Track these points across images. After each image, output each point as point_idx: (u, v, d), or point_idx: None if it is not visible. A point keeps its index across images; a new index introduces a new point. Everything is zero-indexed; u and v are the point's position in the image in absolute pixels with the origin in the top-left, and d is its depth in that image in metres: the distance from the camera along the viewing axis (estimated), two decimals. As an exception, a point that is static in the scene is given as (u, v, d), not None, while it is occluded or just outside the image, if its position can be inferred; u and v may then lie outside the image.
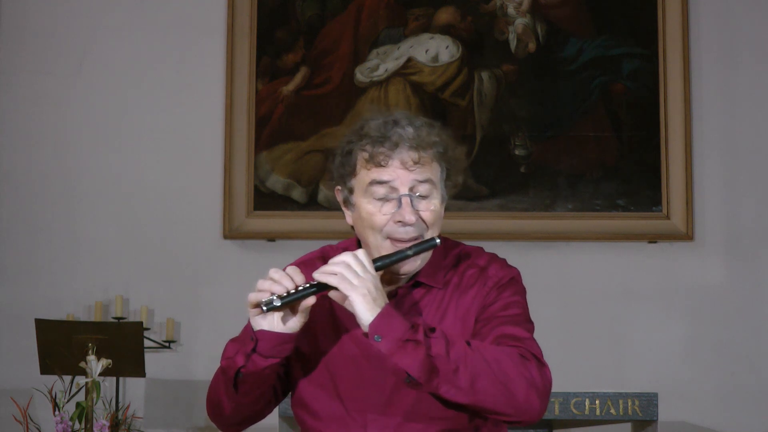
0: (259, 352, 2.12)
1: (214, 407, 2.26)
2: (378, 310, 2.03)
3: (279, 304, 2.07)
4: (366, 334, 2.04)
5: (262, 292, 2.09)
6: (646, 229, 5.25)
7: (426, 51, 5.43)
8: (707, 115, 5.33)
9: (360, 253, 2.09)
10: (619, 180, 5.31)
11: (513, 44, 5.42)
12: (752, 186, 5.31)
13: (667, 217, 5.24)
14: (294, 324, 2.12)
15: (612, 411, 4.16)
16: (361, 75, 5.42)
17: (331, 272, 2.06)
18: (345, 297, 2.05)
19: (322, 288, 2.07)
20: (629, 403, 4.15)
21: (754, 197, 5.30)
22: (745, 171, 5.32)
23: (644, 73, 5.35)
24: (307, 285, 2.08)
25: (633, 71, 5.36)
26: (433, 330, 2.05)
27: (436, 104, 5.36)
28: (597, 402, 4.16)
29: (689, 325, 5.25)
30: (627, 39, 5.38)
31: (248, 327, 2.18)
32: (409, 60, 5.42)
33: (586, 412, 4.17)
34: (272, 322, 2.11)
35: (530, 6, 5.43)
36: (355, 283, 2.04)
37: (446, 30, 5.44)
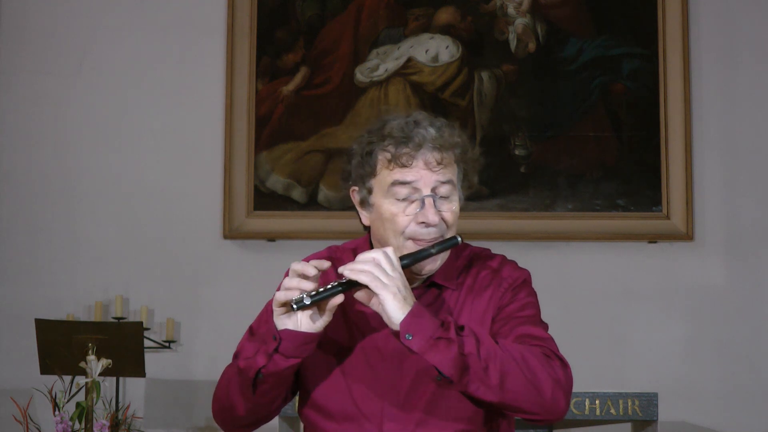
0: (282, 352, 2.11)
1: (224, 410, 2.25)
2: (408, 309, 2.03)
3: (309, 302, 2.05)
4: (396, 333, 2.04)
5: (290, 291, 2.08)
6: (646, 229, 5.25)
7: (426, 51, 5.43)
8: (707, 115, 5.33)
9: (389, 250, 2.08)
10: (619, 180, 5.31)
11: (513, 44, 5.42)
12: (752, 186, 5.31)
13: (667, 217, 5.24)
14: (320, 323, 2.11)
15: (612, 411, 4.16)
16: (361, 75, 5.42)
17: (361, 270, 2.05)
18: (371, 296, 2.06)
19: (352, 285, 2.07)
20: (629, 403, 4.15)
21: (754, 197, 5.30)
22: (745, 171, 5.32)
23: (644, 73, 5.35)
24: (335, 283, 2.07)
25: (633, 71, 5.36)
26: (462, 328, 2.06)
27: (436, 104, 5.36)
28: (597, 402, 4.16)
29: (689, 325, 5.25)
30: (627, 39, 5.38)
31: (261, 327, 2.17)
32: (409, 60, 5.42)
33: (586, 412, 4.17)
34: (297, 322, 2.11)
35: (530, 6, 5.43)
36: (385, 282, 2.04)
37: (446, 30, 5.44)
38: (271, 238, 5.31)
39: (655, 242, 5.27)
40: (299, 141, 5.38)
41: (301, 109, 5.40)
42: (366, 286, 2.05)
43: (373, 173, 2.21)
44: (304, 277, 2.09)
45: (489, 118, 5.38)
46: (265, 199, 5.36)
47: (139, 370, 4.69)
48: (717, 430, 5.17)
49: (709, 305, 5.24)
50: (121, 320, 5.10)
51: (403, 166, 2.16)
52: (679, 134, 5.27)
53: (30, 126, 5.47)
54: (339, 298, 2.09)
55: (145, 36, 5.48)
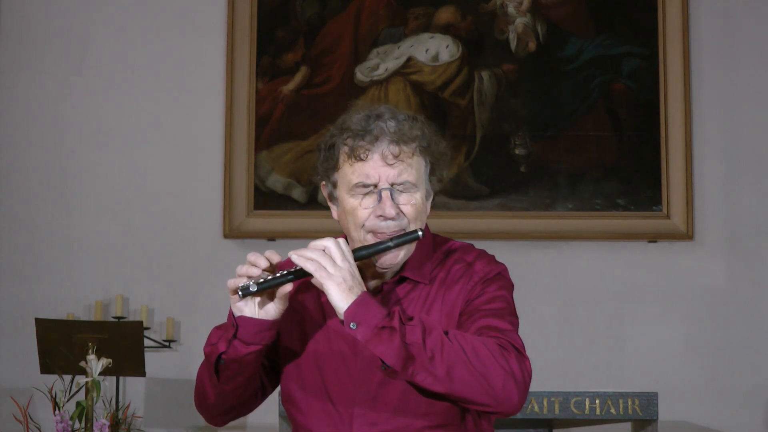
0: (240, 339, 2.11)
1: (199, 396, 2.25)
2: (353, 298, 2.03)
3: (255, 289, 2.06)
4: (343, 322, 2.03)
5: (240, 278, 2.09)
6: (646, 228, 5.25)
7: (426, 50, 5.43)
8: (707, 115, 5.33)
9: (341, 241, 2.09)
10: (619, 180, 5.31)
11: (513, 44, 5.42)
12: (752, 186, 5.31)
13: (667, 217, 5.25)
14: (273, 311, 2.12)
15: (612, 411, 4.16)
16: (362, 74, 5.42)
17: (308, 258, 2.05)
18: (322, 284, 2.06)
19: (300, 275, 2.07)
20: (629, 403, 4.15)
21: (754, 197, 5.30)
22: (745, 171, 5.32)
23: (644, 73, 5.35)
24: (285, 272, 2.08)
25: (633, 71, 5.36)
26: (410, 318, 2.04)
27: (436, 104, 5.36)
28: (597, 402, 4.16)
29: (689, 325, 5.25)
30: (627, 39, 5.39)
31: (230, 315, 2.17)
32: (410, 59, 5.42)
33: (586, 411, 4.16)
34: (253, 309, 2.11)
35: (530, 5, 5.43)
36: (330, 272, 2.04)
37: (446, 29, 5.45)
38: (271, 237, 5.31)
39: (655, 242, 5.27)
40: (299, 140, 5.39)
41: (301, 109, 5.40)
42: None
43: (335, 167, 2.21)
44: (255, 266, 2.10)
45: (489, 117, 5.38)
46: (265, 199, 5.36)
47: (139, 370, 4.69)
48: (717, 429, 5.17)
49: (709, 305, 5.24)
50: (121, 320, 5.10)
51: (360, 159, 2.16)
52: (679, 134, 5.28)
53: (30, 126, 5.47)
54: (288, 287, 2.09)
55: (144, 36, 5.48)
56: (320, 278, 2.04)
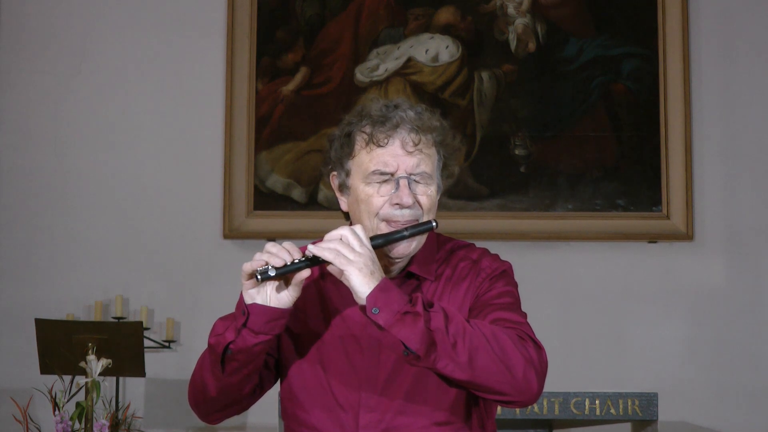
0: (250, 328, 2.08)
1: (197, 392, 2.21)
2: (375, 283, 2.01)
3: (274, 273, 2.05)
4: (363, 309, 2.01)
5: (257, 262, 2.08)
6: (646, 229, 5.25)
7: (426, 51, 5.43)
8: (707, 115, 5.33)
9: (357, 228, 2.07)
10: (619, 180, 5.31)
11: (513, 44, 5.42)
12: (752, 186, 5.31)
13: (667, 217, 5.25)
14: (286, 298, 2.09)
15: (612, 411, 4.16)
16: (361, 75, 5.42)
17: (326, 247, 2.04)
18: (342, 271, 2.04)
19: (319, 261, 2.06)
20: (629, 403, 4.15)
21: (754, 197, 5.30)
22: (745, 171, 5.32)
23: (644, 73, 5.35)
24: (303, 258, 2.07)
25: (633, 71, 5.36)
26: (431, 305, 2.04)
27: (436, 104, 5.35)
28: (597, 402, 4.16)
29: (689, 325, 5.25)
30: (627, 39, 5.38)
31: (240, 304, 2.15)
32: (409, 60, 5.43)
33: (586, 412, 4.17)
34: (265, 296, 2.09)
35: (530, 6, 5.43)
36: (350, 258, 2.02)
37: (446, 30, 5.45)
38: (271, 238, 5.30)
39: (655, 242, 5.27)
40: (299, 141, 5.39)
41: (301, 109, 5.40)
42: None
43: (351, 154, 2.21)
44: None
45: (489, 118, 5.38)
46: (265, 199, 5.36)
47: (139, 370, 4.69)
48: (717, 430, 5.17)
49: (709, 305, 5.24)
50: (121, 320, 5.10)
51: (380, 145, 2.16)
52: (679, 134, 5.28)
53: (30, 126, 5.47)
54: (305, 272, 2.07)
55: (145, 36, 5.48)
56: (340, 265, 2.02)
